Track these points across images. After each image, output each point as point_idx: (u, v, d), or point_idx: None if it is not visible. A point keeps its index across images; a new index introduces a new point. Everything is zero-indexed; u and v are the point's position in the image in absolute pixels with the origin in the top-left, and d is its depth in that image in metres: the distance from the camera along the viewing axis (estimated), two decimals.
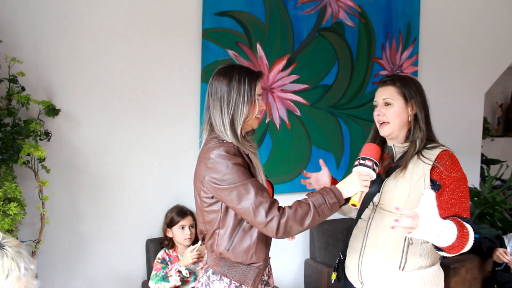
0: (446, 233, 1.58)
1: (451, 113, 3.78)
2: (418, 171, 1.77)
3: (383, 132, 1.86)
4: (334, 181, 1.87)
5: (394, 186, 1.79)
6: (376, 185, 1.83)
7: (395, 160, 1.86)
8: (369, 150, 1.69)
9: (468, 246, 1.66)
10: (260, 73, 1.67)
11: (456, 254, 1.68)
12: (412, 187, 1.76)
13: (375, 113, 1.88)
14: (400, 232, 1.62)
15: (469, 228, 1.66)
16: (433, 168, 1.76)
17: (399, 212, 1.77)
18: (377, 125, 1.89)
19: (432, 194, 1.58)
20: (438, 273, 1.84)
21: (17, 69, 2.23)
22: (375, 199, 1.86)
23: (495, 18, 3.96)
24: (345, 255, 1.97)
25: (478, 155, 4.09)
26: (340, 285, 2.00)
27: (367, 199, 1.87)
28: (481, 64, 3.94)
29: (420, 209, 1.55)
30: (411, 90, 1.83)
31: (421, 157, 1.79)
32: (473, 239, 1.67)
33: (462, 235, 1.62)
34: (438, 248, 1.69)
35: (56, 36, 2.39)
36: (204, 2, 2.72)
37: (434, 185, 1.76)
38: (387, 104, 1.84)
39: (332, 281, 2.00)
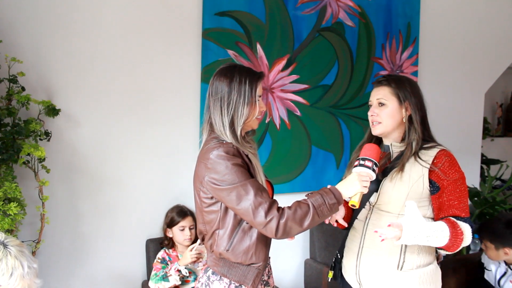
0: (436, 236, 1.64)
1: (451, 113, 3.78)
2: (416, 173, 1.77)
3: (375, 131, 1.87)
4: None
5: (392, 187, 1.79)
6: (372, 185, 1.82)
7: (391, 160, 1.86)
8: (369, 150, 1.69)
9: (464, 244, 1.72)
10: (261, 74, 1.67)
11: (455, 252, 1.74)
12: (410, 188, 1.76)
13: (369, 113, 1.90)
14: (389, 241, 1.68)
15: (464, 227, 1.71)
16: (431, 170, 1.76)
17: (396, 212, 1.78)
18: (370, 124, 1.90)
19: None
20: (435, 271, 1.84)
21: (17, 69, 2.23)
22: (372, 199, 1.85)
23: (495, 18, 3.96)
24: (342, 254, 1.97)
25: (478, 155, 4.09)
26: (339, 285, 2.00)
27: (364, 199, 1.86)
28: (481, 64, 3.94)
29: (404, 220, 1.62)
30: (406, 91, 1.83)
31: (418, 159, 1.78)
32: (471, 237, 1.72)
33: (455, 235, 1.66)
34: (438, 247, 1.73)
35: (56, 36, 2.39)
36: (204, 2, 2.72)
37: (433, 186, 1.76)
38: (381, 104, 1.85)
39: (329, 280, 2.00)
